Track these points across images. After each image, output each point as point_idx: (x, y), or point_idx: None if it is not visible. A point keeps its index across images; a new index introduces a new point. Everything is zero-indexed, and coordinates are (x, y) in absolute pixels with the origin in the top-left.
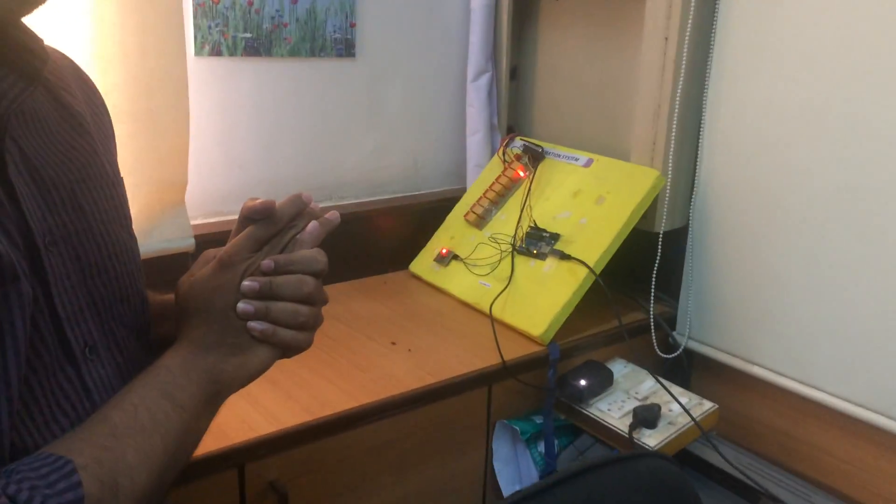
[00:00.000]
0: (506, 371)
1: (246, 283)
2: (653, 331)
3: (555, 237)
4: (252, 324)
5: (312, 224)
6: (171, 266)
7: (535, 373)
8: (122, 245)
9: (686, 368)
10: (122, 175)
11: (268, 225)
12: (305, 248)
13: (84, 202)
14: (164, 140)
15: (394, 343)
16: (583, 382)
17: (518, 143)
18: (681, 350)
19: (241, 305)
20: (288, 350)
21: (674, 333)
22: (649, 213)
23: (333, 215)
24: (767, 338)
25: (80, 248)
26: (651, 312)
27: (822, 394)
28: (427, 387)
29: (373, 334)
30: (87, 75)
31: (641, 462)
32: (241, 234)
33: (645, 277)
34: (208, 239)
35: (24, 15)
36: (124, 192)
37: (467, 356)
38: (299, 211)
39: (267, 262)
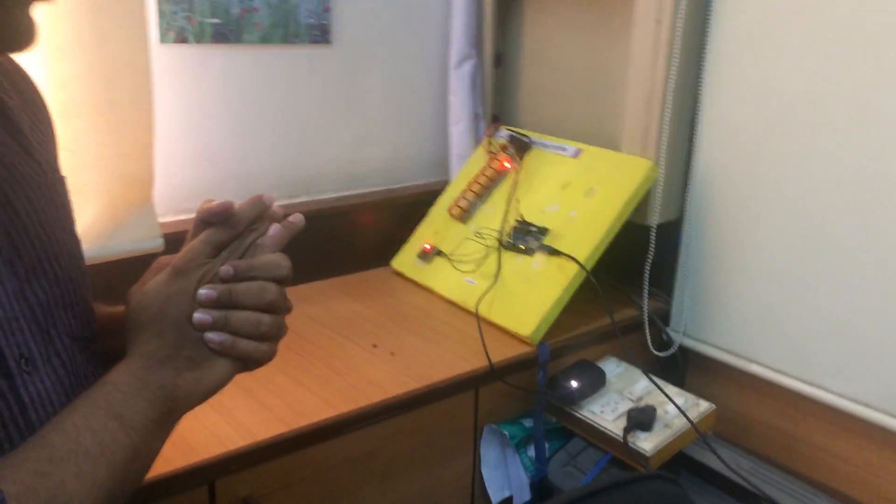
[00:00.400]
0: (493, 374)
1: (203, 291)
2: (646, 328)
3: (543, 231)
4: (209, 335)
5: (274, 227)
6: (139, 268)
7: (524, 374)
8: (62, 247)
9: (681, 367)
10: (65, 173)
11: (226, 228)
12: (267, 252)
13: (17, 202)
14: (128, 134)
15: (375, 346)
16: (574, 384)
17: (503, 132)
18: (675, 348)
19: (197, 315)
20: (249, 363)
21: (668, 330)
22: (642, 206)
23: (297, 218)
24: (766, 334)
25: (14, 250)
26: (645, 309)
27: (824, 392)
28: (411, 392)
29: (353, 336)
30: (18, 64)
31: (644, 485)
32: (196, 239)
33: (637, 272)
34: (178, 238)
35: None
36: (65, 191)
37: (453, 358)
38: (260, 213)
39: (226, 269)
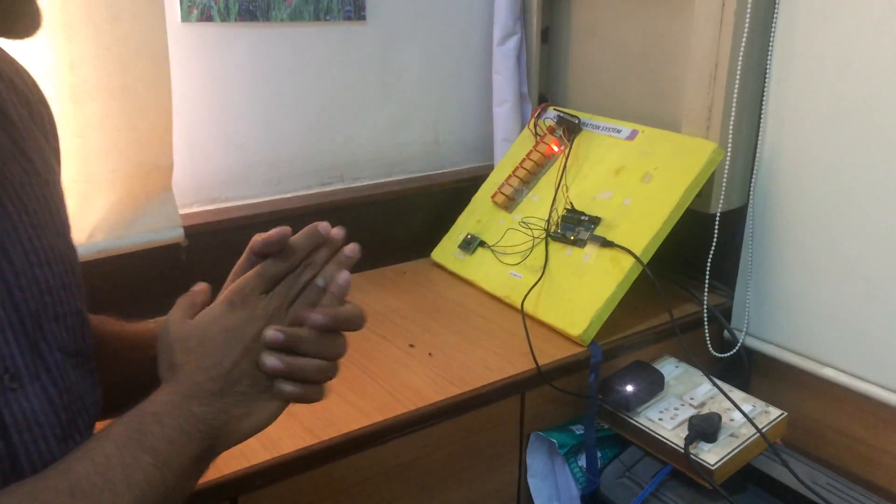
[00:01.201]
0: (541, 377)
1: (270, 332)
2: (706, 326)
3: (595, 221)
4: (283, 385)
5: (343, 276)
6: (158, 260)
7: (574, 377)
8: (55, 254)
9: (746, 368)
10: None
11: (281, 260)
12: (336, 300)
13: (7, 202)
14: (144, 118)
15: (412, 345)
16: (629, 388)
17: (551, 113)
18: (738, 347)
19: (269, 361)
20: (299, 402)
21: (730, 328)
22: (703, 192)
23: (353, 250)
24: (841, 335)
25: (2, 252)
26: (704, 305)
27: None
28: (451, 399)
29: (389, 335)
30: (11, 57)
31: None
32: (252, 271)
33: (696, 264)
34: (203, 230)
35: None
36: (61, 193)
37: (496, 360)
38: (316, 244)
39: (317, 317)
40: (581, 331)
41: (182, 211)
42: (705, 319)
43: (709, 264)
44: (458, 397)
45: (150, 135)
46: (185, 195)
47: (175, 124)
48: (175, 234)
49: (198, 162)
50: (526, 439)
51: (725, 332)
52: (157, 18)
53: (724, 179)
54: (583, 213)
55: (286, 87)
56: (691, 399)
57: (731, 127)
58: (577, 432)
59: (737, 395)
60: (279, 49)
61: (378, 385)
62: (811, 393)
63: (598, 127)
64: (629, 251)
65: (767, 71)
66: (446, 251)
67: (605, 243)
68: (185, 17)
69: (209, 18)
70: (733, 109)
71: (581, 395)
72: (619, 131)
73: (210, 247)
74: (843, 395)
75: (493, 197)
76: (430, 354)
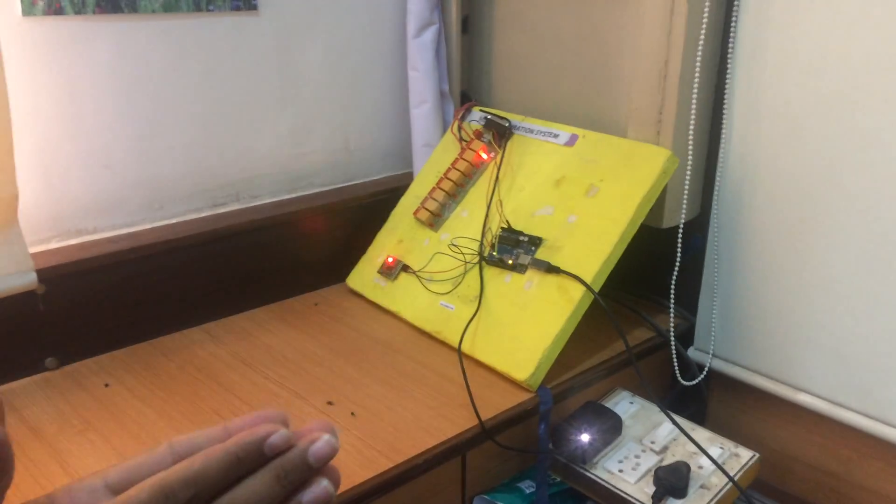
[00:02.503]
0: (484, 434)
1: None
2: (673, 352)
3: (535, 242)
4: None
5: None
6: (9, 312)
7: (521, 426)
8: None
9: (704, 395)
10: None
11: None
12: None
13: None
14: None
15: (331, 403)
16: (585, 437)
17: (476, 115)
18: (705, 372)
19: None
20: None
21: (693, 351)
22: (654, 205)
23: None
24: (818, 358)
25: None
26: (671, 329)
27: (890, 429)
28: (381, 475)
29: (302, 390)
30: None
31: None
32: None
33: (643, 281)
34: (65, 271)
35: None
36: None
37: (431, 417)
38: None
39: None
40: (528, 375)
41: (37, 248)
42: (672, 345)
43: (673, 284)
44: (391, 472)
45: None
46: (41, 228)
47: (22, 143)
48: (26, 280)
49: (55, 187)
50: None
51: (688, 356)
52: None
53: (685, 190)
54: (521, 233)
55: (163, 93)
56: (652, 443)
57: (690, 131)
58: (527, 490)
59: (701, 434)
60: (151, 47)
61: None
62: (782, 420)
63: (531, 131)
64: (579, 278)
65: (730, 65)
66: (364, 277)
67: (550, 269)
68: (28, 9)
69: (59, 11)
70: (693, 111)
71: (530, 451)
72: (556, 136)
73: (75, 290)
74: (819, 423)
75: (415, 213)
76: (352, 414)
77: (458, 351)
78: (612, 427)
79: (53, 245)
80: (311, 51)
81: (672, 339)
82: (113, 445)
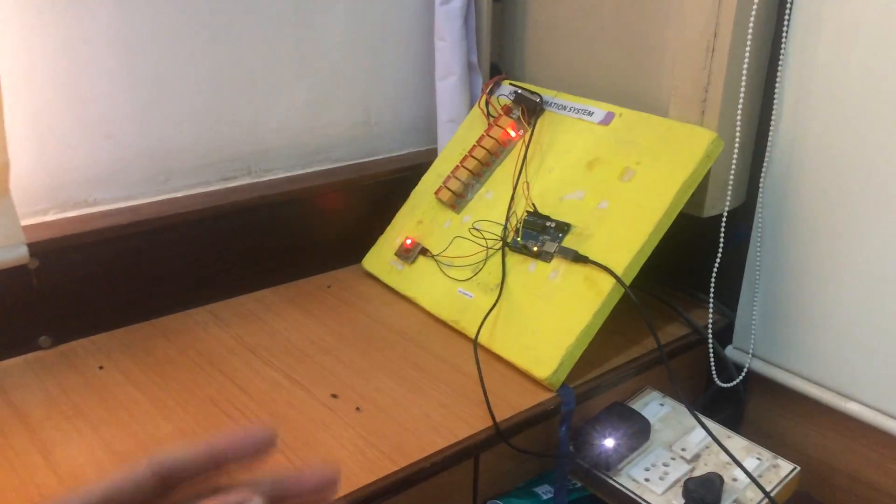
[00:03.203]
0: (499, 436)
1: None
2: (711, 353)
3: (563, 228)
4: None
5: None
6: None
7: (540, 428)
8: None
9: (743, 398)
10: None
11: None
12: None
13: None
14: None
15: (335, 396)
16: (609, 442)
17: (507, 89)
18: (743, 374)
19: None
20: None
21: (731, 349)
22: (696, 191)
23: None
24: (871, 364)
25: None
26: (710, 329)
27: None
28: (384, 479)
29: (306, 379)
30: None
31: None
32: None
33: (679, 271)
34: (62, 245)
35: None
36: None
37: (443, 415)
38: None
39: None
40: (549, 373)
41: (31, 220)
42: (710, 345)
43: (714, 279)
44: (395, 475)
45: None
46: (36, 199)
47: (15, 108)
48: (16, 253)
49: (52, 155)
50: None
51: (726, 355)
52: None
53: (732, 175)
54: (548, 218)
55: (169, 57)
56: (683, 450)
57: (738, 111)
58: (544, 496)
59: (736, 442)
60: (157, 6)
61: (287, 461)
62: (824, 429)
63: (564, 107)
64: (608, 270)
65: (784, 41)
66: (380, 259)
67: (578, 258)
68: None
69: None
70: (742, 89)
71: (548, 454)
72: (590, 113)
73: (73, 266)
74: (867, 434)
75: (436, 193)
76: (357, 409)
77: (475, 344)
78: (639, 431)
79: (51, 217)
80: (332, 16)
81: (710, 336)
82: (101, 435)
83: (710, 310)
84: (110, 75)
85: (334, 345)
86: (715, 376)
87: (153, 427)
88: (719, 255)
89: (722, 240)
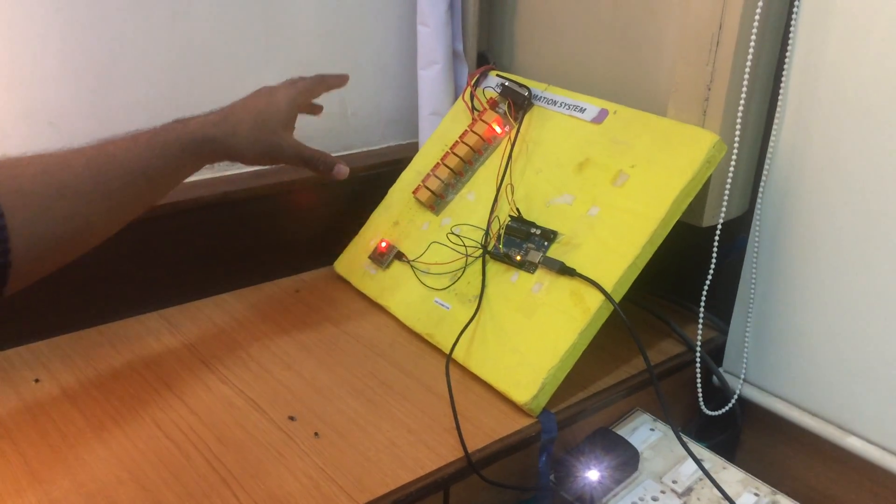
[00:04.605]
0: (471, 467)
1: None
2: (698, 376)
3: (549, 236)
4: None
5: None
6: None
7: (518, 457)
8: None
9: (739, 425)
10: None
11: None
12: None
13: None
14: None
15: (292, 418)
16: (593, 474)
17: (494, 81)
18: (733, 401)
19: None
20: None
21: (720, 374)
22: (695, 198)
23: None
24: (874, 396)
25: None
26: (698, 349)
27: None
28: None
29: (262, 399)
30: None
31: None
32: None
33: (679, 284)
34: None
35: None
36: None
37: (410, 443)
38: None
39: None
40: (529, 397)
41: None
42: (698, 368)
43: (704, 294)
44: None
45: None
46: None
47: None
48: None
49: None
50: None
51: (715, 379)
52: None
53: (728, 183)
54: (533, 225)
55: (121, 37)
56: (674, 483)
57: (739, 112)
58: None
59: (732, 474)
60: None
61: (234, 497)
62: (825, 459)
63: (554, 102)
64: (597, 285)
65: (791, 37)
66: (353, 262)
67: (564, 270)
68: None
69: None
70: (744, 88)
71: (526, 487)
72: (582, 110)
73: None
74: (869, 470)
75: (414, 192)
76: (315, 435)
77: (447, 363)
78: (626, 462)
79: None
80: None
81: (698, 359)
82: (27, 461)
83: (699, 327)
84: (54, 56)
85: (296, 358)
86: (702, 403)
87: (86, 451)
88: (711, 267)
89: (716, 252)
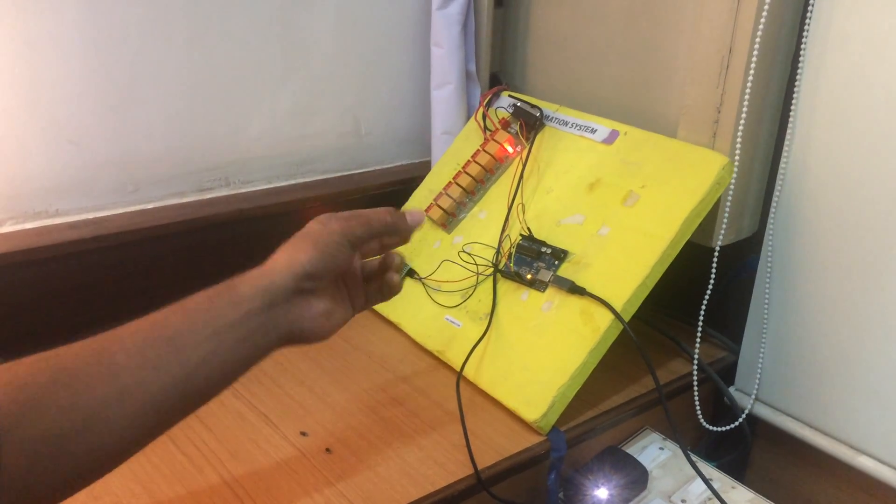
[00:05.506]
0: (480, 485)
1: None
2: (695, 392)
3: (559, 255)
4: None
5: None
6: None
7: (527, 474)
8: None
9: (748, 442)
10: None
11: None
12: None
13: None
14: None
15: (304, 433)
16: (602, 493)
17: (506, 101)
18: (742, 418)
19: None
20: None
21: (728, 394)
22: (705, 219)
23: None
24: (884, 415)
25: None
26: (695, 362)
27: None
28: None
29: (274, 413)
30: None
31: None
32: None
33: (690, 302)
34: (18, 259)
35: None
36: None
37: (420, 459)
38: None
39: None
40: (538, 415)
41: None
42: (695, 382)
43: (703, 308)
44: None
45: None
46: None
47: None
48: None
49: (9, 162)
50: None
51: (725, 398)
52: None
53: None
54: (544, 244)
55: (141, 58)
56: (682, 502)
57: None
58: None
59: (741, 494)
60: (129, 2)
61: None
62: (837, 479)
63: (565, 123)
64: (607, 304)
65: (801, 58)
66: None
67: (574, 289)
68: None
69: None
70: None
71: None
72: (593, 131)
73: (29, 283)
74: (882, 490)
75: (427, 210)
76: (327, 450)
77: (458, 380)
78: (635, 480)
79: (7, 228)
80: (321, 16)
81: (695, 379)
82: None
83: (697, 345)
84: (75, 77)
85: (308, 373)
86: (701, 419)
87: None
88: (710, 286)
89: (714, 272)
